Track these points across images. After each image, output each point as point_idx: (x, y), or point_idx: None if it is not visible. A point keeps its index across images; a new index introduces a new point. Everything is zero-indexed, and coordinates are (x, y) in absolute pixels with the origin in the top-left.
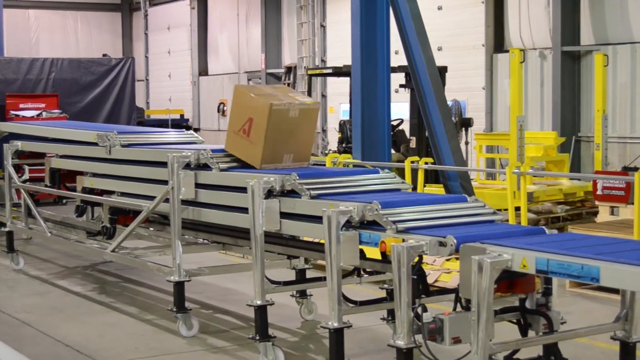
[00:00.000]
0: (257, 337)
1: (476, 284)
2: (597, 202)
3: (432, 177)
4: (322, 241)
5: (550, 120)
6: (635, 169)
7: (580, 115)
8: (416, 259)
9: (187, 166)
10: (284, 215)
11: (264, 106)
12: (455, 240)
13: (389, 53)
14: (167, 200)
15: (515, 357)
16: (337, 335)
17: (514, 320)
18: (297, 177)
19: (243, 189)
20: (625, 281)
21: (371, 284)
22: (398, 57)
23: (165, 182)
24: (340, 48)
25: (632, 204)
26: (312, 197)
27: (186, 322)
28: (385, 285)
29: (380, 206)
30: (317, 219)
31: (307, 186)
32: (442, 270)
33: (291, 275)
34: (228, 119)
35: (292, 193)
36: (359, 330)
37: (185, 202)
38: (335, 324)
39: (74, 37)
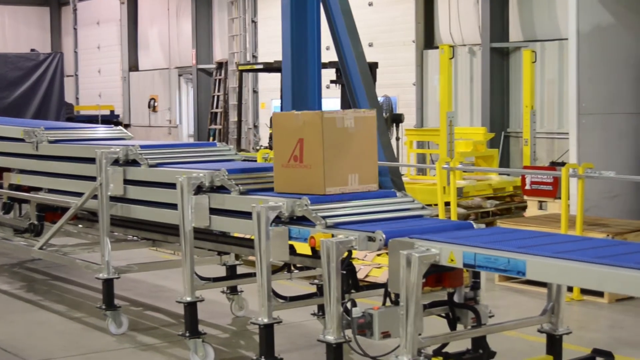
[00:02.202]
0: (187, 334)
1: (405, 278)
2: (525, 197)
3: None
4: (252, 237)
5: (480, 116)
6: (563, 164)
7: (509, 111)
8: (345, 254)
9: (116, 162)
10: (213, 211)
11: (314, 118)
12: (384, 235)
13: (319, 49)
14: (95, 197)
15: (444, 350)
16: (267, 331)
17: (443, 314)
18: (227, 173)
19: (172, 185)
20: (550, 274)
21: (302, 280)
22: (329, 53)
23: (93, 179)
24: (272, 44)
25: (560, 198)
26: (242, 193)
27: (115, 319)
28: (316, 281)
29: (309, 202)
30: (247, 215)
31: (236, 182)
32: (372, 265)
33: (222, 272)
34: (274, 155)
35: (222, 189)
36: (290, 326)
37: (113, 199)
38: (265, 320)
39: (1, 32)
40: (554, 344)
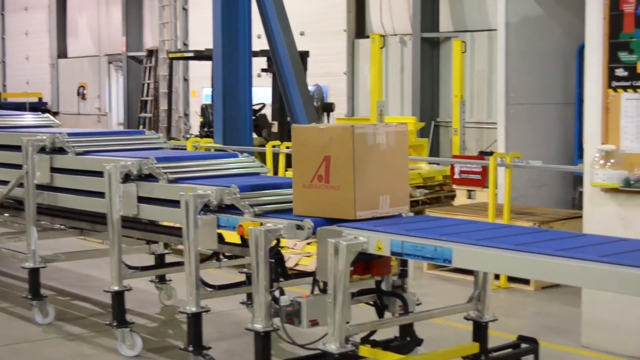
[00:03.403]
0: (115, 324)
1: (332, 266)
2: (454, 186)
3: None
4: (180, 226)
5: (410, 105)
6: (491, 153)
7: (439, 101)
8: (274, 243)
9: (43, 150)
10: (142, 199)
11: (344, 134)
12: (312, 224)
13: (250, 37)
14: (21, 185)
15: (372, 338)
16: (195, 320)
17: (371, 302)
18: (155, 161)
19: (100, 173)
20: (476, 262)
21: (231, 269)
22: (260, 42)
23: (19, 167)
24: (203, 32)
25: (488, 187)
26: (170, 181)
27: (42, 309)
28: (245, 270)
29: (238, 190)
30: (176, 203)
31: (165, 170)
32: (302, 254)
33: (150, 261)
34: (293, 173)
35: (150, 177)
36: (219, 315)
37: (40, 187)
38: (193, 309)
39: None
40: (480, 331)
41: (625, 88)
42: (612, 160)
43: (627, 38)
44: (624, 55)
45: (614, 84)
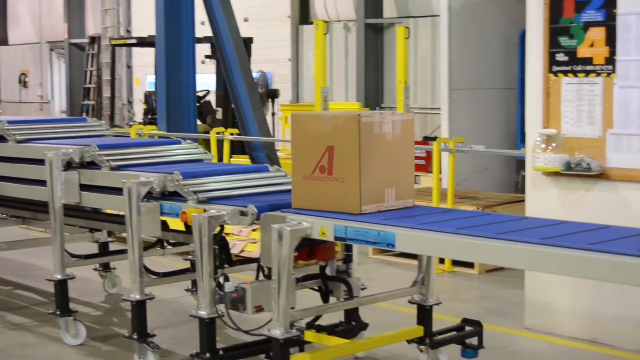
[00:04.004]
0: (58, 312)
1: (276, 252)
2: None
3: (238, 148)
4: (124, 213)
5: (355, 91)
6: (435, 138)
7: (384, 86)
8: (218, 229)
9: None
10: (84, 187)
11: (350, 122)
12: (256, 210)
13: (193, 23)
14: None
15: (317, 323)
16: (139, 308)
17: (316, 288)
18: (97, 148)
19: (41, 162)
20: (419, 246)
21: (175, 256)
22: (204, 28)
23: None
24: (146, 18)
25: (432, 172)
26: (113, 169)
27: None
28: (189, 257)
29: (181, 177)
30: (118, 191)
31: (107, 157)
32: (248, 240)
33: (94, 249)
34: (292, 164)
35: (93, 165)
36: (164, 302)
37: None
38: (137, 296)
39: None
40: (424, 314)
41: (565, 73)
42: (553, 144)
43: (567, 23)
44: (564, 40)
45: (555, 68)
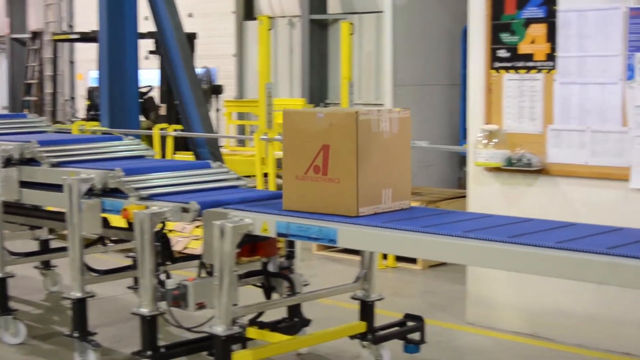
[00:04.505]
0: None
1: (218, 249)
2: None
3: (182, 144)
4: (64, 210)
5: (299, 87)
6: None
7: (328, 83)
8: (159, 226)
9: None
10: (24, 184)
11: (347, 120)
12: (198, 206)
13: (136, 19)
14: None
15: (259, 320)
16: (79, 306)
17: (259, 284)
18: (37, 144)
19: None
20: (361, 242)
21: (118, 253)
22: (147, 23)
23: None
24: (88, 13)
25: None
26: (53, 165)
27: None
28: (132, 254)
29: (123, 173)
30: (59, 188)
31: (47, 154)
32: (191, 237)
33: (35, 246)
34: (283, 163)
35: (33, 161)
36: (106, 300)
37: None
38: (78, 294)
39: None
40: (366, 310)
41: (507, 69)
42: (494, 140)
43: (508, 20)
44: (505, 37)
45: (496, 64)
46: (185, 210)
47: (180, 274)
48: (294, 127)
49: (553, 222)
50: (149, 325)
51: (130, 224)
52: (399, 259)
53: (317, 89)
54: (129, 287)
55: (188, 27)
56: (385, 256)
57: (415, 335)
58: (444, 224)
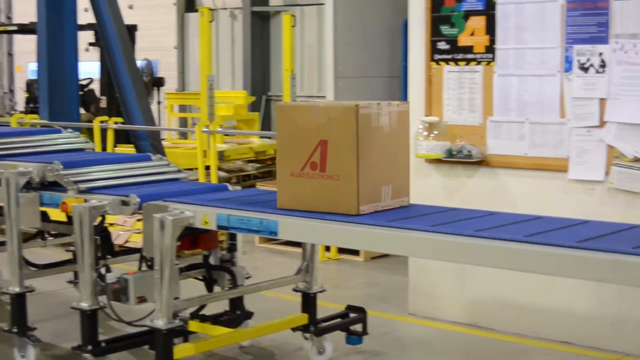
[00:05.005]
0: None
1: (159, 242)
2: None
3: (123, 137)
4: (1, 204)
5: (241, 79)
6: None
7: (270, 75)
8: (99, 219)
9: None
10: None
11: (347, 114)
12: (138, 199)
13: (75, 10)
14: None
15: (201, 313)
16: (18, 300)
17: (200, 277)
18: None
19: None
20: (301, 234)
21: (58, 247)
22: (87, 15)
23: None
24: (27, 4)
25: None
26: None
27: None
28: (72, 248)
29: (61, 166)
30: None
31: None
32: (133, 230)
33: None
34: (277, 160)
35: None
36: (46, 295)
37: None
38: (17, 289)
39: None
40: (308, 302)
41: (447, 61)
42: (435, 132)
43: (448, 12)
44: (445, 29)
45: (437, 57)
46: (125, 203)
47: (122, 268)
48: (289, 122)
49: (568, 220)
50: (89, 319)
51: (69, 217)
52: (342, 250)
53: (259, 81)
54: (69, 282)
55: (128, 19)
56: (327, 248)
57: (358, 327)
58: (451, 223)
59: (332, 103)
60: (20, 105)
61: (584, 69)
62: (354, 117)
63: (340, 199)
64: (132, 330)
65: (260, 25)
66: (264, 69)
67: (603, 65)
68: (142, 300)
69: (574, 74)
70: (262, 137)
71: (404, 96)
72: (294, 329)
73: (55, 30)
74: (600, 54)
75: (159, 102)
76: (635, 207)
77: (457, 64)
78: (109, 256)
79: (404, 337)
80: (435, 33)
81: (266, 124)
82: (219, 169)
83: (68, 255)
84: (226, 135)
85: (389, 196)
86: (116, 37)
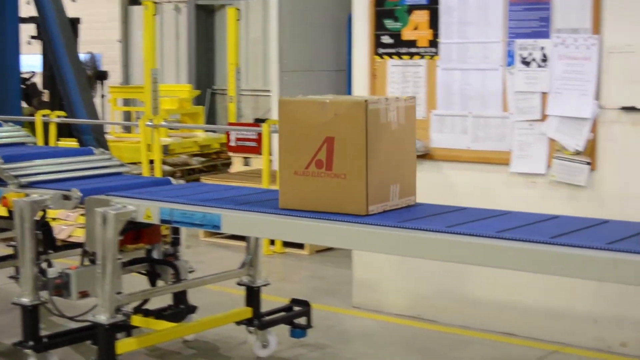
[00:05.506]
0: None
1: (101, 236)
2: (230, 154)
3: (66, 131)
4: None
5: (186, 73)
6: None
7: (215, 69)
8: (40, 214)
9: None
10: None
11: (355, 110)
12: (80, 193)
13: (17, 2)
14: None
15: (145, 307)
16: None
17: (144, 272)
18: None
19: None
20: (244, 228)
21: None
22: (29, 8)
23: None
24: None
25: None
26: None
27: None
28: (13, 243)
29: (2, 160)
30: None
31: None
32: (76, 225)
33: None
34: (279, 158)
35: None
36: None
37: None
38: None
39: None
40: (252, 295)
41: (391, 55)
42: None
43: (392, 6)
44: (389, 23)
45: (380, 50)
46: (66, 197)
47: (64, 263)
48: (292, 118)
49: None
50: (31, 315)
51: (10, 212)
52: (287, 244)
53: (204, 75)
54: (10, 277)
55: (71, 11)
56: (272, 242)
57: (302, 320)
58: (467, 223)
59: (338, 98)
60: None
61: (526, 63)
62: (363, 112)
63: (347, 199)
64: (74, 325)
65: (205, 19)
66: (209, 62)
67: (545, 59)
68: (84, 295)
69: (517, 68)
70: (206, 131)
71: (349, 90)
72: (238, 323)
73: None
74: (542, 48)
75: (102, 96)
76: (576, 200)
77: (400, 58)
78: (50, 251)
79: (348, 330)
80: (379, 27)
81: (211, 118)
82: (163, 162)
83: (9, 251)
84: (170, 129)
85: (396, 195)
86: (58, 30)
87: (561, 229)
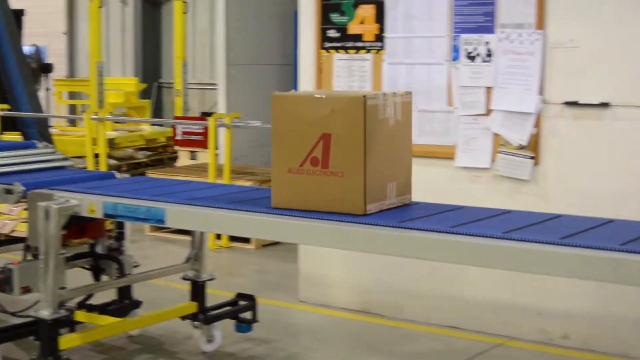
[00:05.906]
0: None
1: (43, 231)
2: (177, 147)
3: (9, 124)
4: None
5: (132, 66)
6: (212, 114)
7: (162, 62)
8: None
9: None
10: None
11: (353, 105)
12: (22, 187)
13: None
14: None
15: (89, 302)
16: None
17: (88, 266)
18: None
19: None
20: (189, 222)
21: None
22: None
23: None
24: None
25: None
26: None
27: None
28: None
29: None
30: None
31: None
32: (19, 219)
33: None
34: (272, 155)
35: None
36: None
37: None
38: None
39: None
40: (197, 290)
41: (337, 49)
42: None
43: (338, 0)
44: (335, 17)
45: (326, 44)
46: (8, 191)
47: (7, 258)
48: (286, 113)
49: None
50: None
51: None
52: (233, 238)
53: (151, 68)
54: None
55: (15, 3)
56: (218, 236)
57: (248, 315)
58: (468, 223)
59: (335, 93)
60: None
61: (471, 58)
62: (361, 108)
63: (344, 198)
64: (16, 321)
65: (151, 12)
66: (155, 55)
67: (489, 54)
68: (26, 290)
69: (461, 62)
70: (153, 125)
71: (295, 84)
72: (183, 318)
73: None
74: (487, 43)
75: (47, 89)
76: (519, 194)
77: (347, 52)
78: None
79: (294, 324)
80: (325, 21)
81: (157, 112)
82: (109, 156)
83: None
84: (116, 122)
85: (393, 194)
86: (2, 22)
87: (568, 229)
